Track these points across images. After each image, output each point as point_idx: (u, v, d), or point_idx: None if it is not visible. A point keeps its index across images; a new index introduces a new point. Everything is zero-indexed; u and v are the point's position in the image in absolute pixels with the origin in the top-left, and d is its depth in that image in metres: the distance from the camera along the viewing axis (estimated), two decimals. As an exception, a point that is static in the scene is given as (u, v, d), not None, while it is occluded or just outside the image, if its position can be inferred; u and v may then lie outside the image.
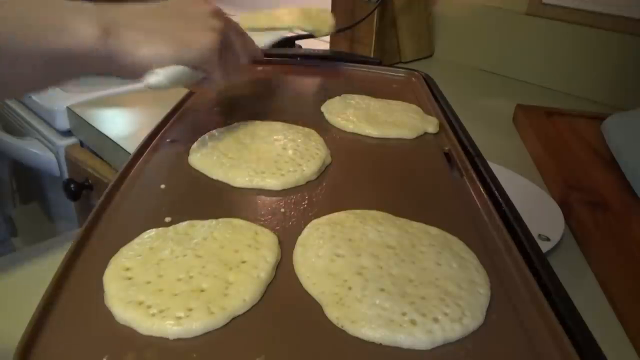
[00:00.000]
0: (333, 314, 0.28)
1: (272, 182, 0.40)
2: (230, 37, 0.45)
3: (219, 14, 0.44)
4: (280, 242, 0.33)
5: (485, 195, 0.40)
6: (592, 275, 0.49)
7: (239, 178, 0.40)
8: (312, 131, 0.48)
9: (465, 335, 0.27)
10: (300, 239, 0.34)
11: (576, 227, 0.55)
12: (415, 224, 0.36)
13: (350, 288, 0.29)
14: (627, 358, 0.41)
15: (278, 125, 0.49)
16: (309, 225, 0.35)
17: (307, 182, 0.41)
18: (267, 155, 0.43)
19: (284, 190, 0.40)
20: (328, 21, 0.63)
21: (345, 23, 1.04)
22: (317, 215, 0.37)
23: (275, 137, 0.46)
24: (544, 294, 0.30)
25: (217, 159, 0.42)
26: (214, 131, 0.47)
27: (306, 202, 0.39)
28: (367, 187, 0.42)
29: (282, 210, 0.38)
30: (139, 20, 0.40)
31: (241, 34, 0.48)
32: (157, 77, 0.39)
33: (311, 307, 0.29)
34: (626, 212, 0.56)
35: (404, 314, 0.28)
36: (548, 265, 0.32)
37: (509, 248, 0.34)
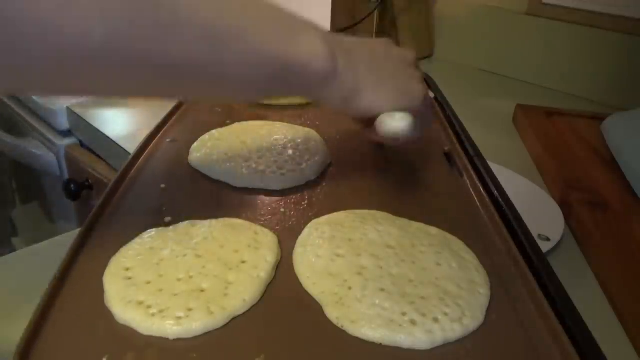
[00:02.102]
0: (333, 314, 0.28)
1: (273, 182, 0.40)
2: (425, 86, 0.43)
3: (413, 61, 0.42)
4: (280, 242, 0.33)
5: (485, 195, 0.40)
6: (592, 275, 0.49)
7: (239, 178, 0.40)
8: (312, 131, 0.48)
9: (465, 335, 0.27)
10: (300, 239, 0.34)
11: (576, 227, 0.55)
12: (415, 224, 0.36)
13: (350, 288, 0.29)
14: (627, 358, 0.40)
15: (278, 125, 0.49)
16: (309, 225, 0.35)
17: (307, 182, 0.41)
18: (267, 155, 0.43)
19: (283, 190, 0.40)
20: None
21: (345, 23, 1.04)
22: (317, 215, 0.37)
23: (275, 137, 0.46)
24: (544, 294, 0.30)
25: (217, 158, 0.42)
26: (214, 131, 0.47)
27: (306, 202, 0.39)
28: (367, 187, 0.42)
29: (282, 210, 0.38)
30: (359, 53, 0.37)
31: None
32: (403, 122, 0.36)
33: (311, 307, 0.29)
34: (626, 212, 0.56)
35: (403, 314, 0.28)
36: (548, 265, 0.32)
37: (509, 248, 0.34)
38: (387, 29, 1.07)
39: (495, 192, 0.40)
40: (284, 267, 0.32)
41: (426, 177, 0.44)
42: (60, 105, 0.86)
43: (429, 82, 0.63)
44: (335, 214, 0.37)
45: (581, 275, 0.49)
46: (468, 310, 0.28)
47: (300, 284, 0.30)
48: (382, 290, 0.29)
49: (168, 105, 0.53)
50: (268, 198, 0.39)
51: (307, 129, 0.49)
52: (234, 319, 0.28)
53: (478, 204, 0.40)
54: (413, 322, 0.27)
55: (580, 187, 0.60)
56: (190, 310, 0.27)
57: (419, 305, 0.28)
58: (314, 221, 0.36)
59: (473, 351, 0.27)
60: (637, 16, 0.88)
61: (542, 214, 0.55)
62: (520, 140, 0.78)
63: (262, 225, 0.35)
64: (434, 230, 0.35)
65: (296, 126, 0.49)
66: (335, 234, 0.34)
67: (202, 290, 0.29)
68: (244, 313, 0.28)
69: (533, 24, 1.00)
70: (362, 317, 0.27)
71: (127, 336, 0.26)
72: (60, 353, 0.25)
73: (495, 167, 0.46)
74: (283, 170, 0.41)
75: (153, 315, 0.27)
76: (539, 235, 0.50)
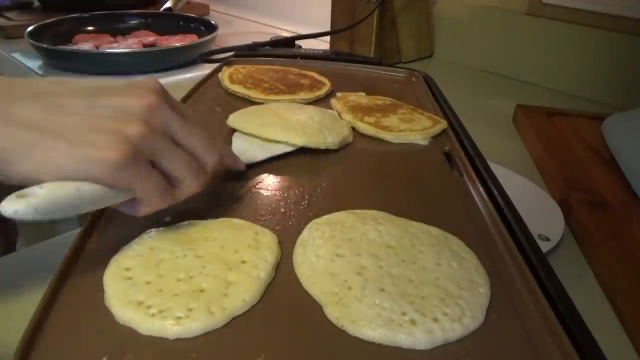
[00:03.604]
0: (333, 313, 0.28)
1: (297, 138, 0.44)
2: (161, 148, 0.32)
3: (153, 109, 0.32)
4: (280, 242, 0.33)
5: (485, 195, 0.40)
6: (592, 275, 0.49)
7: (269, 130, 0.45)
8: (336, 115, 0.52)
9: (465, 335, 0.27)
10: (300, 239, 0.34)
11: (576, 227, 0.55)
12: (415, 224, 0.36)
13: (350, 288, 0.29)
14: (627, 358, 0.40)
15: (310, 107, 0.52)
16: (308, 225, 0.35)
17: (309, 177, 0.41)
18: (294, 119, 0.47)
19: (288, 185, 0.40)
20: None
21: (345, 23, 1.04)
22: (317, 215, 0.37)
23: (306, 111, 0.50)
24: (544, 294, 0.30)
25: (252, 119, 0.47)
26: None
27: (306, 202, 0.39)
28: (367, 187, 0.42)
29: (282, 210, 0.38)
30: (25, 107, 0.30)
31: (200, 138, 0.34)
32: (29, 201, 0.27)
33: (311, 307, 0.29)
34: (626, 212, 0.56)
35: (403, 314, 0.28)
36: (548, 265, 0.32)
37: (509, 248, 0.34)
38: (387, 29, 1.07)
39: (495, 192, 0.40)
40: (284, 267, 0.32)
41: (426, 177, 0.44)
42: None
43: (429, 82, 0.63)
44: (336, 213, 0.37)
45: (581, 275, 0.49)
46: (468, 310, 0.28)
47: (300, 284, 0.30)
48: (382, 290, 0.29)
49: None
50: (268, 198, 0.39)
51: (334, 113, 0.53)
52: (234, 319, 0.28)
53: (478, 204, 0.40)
54: (413, 322, 0.27)
55: (580, 187, 0.60)
56: (190, 310, 0.27)
57: (419, 305, 0.28)
58: (314, 221, 0.36)
59: (473, 351, 0.27)
60: (637, 16, 0.88)
61: (542, 214, 0.55)
62: (520, 140, 0.78)
63: (262, 225, 0.35)
64: (434, 230, 0.35)
65: (326, 110, 0.53)
66: (335, 234, 0.34)
67: (202, 291, 0.29)
68: (244, 313, 0.28)
69: (533, 24, 1.00)
70: (362, 317, 0.27)
71: (127, 336, 0.26)
72: (60, 353, 0.25)
73: (495, 167, 0.46)
74: (307, 131, 0.45)
75: (153, 315, 0.27)
76: (539, 235, 0.50)
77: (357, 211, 0.37)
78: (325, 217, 0.36)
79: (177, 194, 0.33)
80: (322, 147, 0.45)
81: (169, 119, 0.33)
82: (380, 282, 0.30)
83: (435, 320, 0.28)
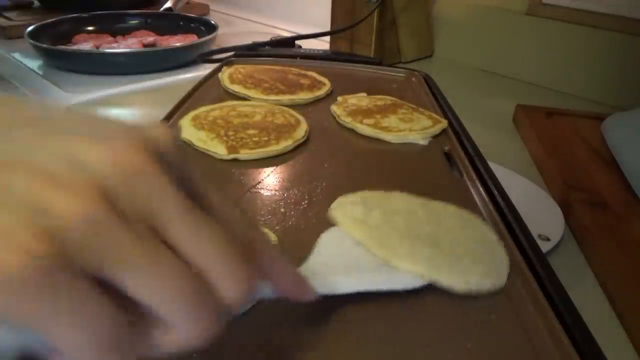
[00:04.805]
0: (378, 252, 0.30)
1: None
2: (124, 250, 0.16)
3: (130, 172, 0.17)
4: (280, 242, 0.33)
5: (485, 195, 0.40)
6: (592, 275, 0.49)
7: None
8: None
9: (491, 290, 0.30)
10: (333, 206, 0.35)
11: (576, 227, 0.55)
12: (433, 202, 0.37)
13: (389, 237, 0.31)
14: (627, 358, 0.40)
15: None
16: (336, 201, 0.36)
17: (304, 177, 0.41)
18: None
19: (283, 190, 0.40)
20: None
21: (345, 23, 1.04)
22: (317, 215, 0.37)
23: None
24: (544, 294, 0.30)
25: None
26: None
27: (306, 202, 0.39)
28: (367, 187, 0.42)
29: (282, 210, 0.38)
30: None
31: (219, 242, 0.19)
32: None
33: (311, 307, 0.29)
34: (626, 212, 0.56)
35: (441, 260, 0.30)
36: (548, 265, 0.32)
37: (509, 248, 0.34)
38: (387, 29, 1.07)
39: (495, 192, 0.40)
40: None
41: (426, 177, 0.44)
42: (60, 105, 0.86)
43: (429, 82, 0.63)
44: (358, 192, 0.37)
45: (581, 275, 0.49)
46: (493, 269, 0.31)
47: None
48: (420, 239, 0.31)
49: (169, 105, 0.53)
50: (268, 198, 0.39)
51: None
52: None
53: (478, 204, 0.40)
54: (449, 266, 0.30)
55: (580, 187, 0.60)
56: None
57: (453, 257, 0.31)
58: (339, 198, 0.37)
59: (473, 351, 0.27)
60: (637, 16, 0.88)
61: (542, 214, 0.55)
62: (520, 140, 0.78)
63: (262, 226, 0.35)
64: (451, 207, 0.37)
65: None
66: (366, 204, 0.35)
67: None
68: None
69: (533, 24, 1.00)
70: (406, 254, 0.30)
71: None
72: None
73: (495, 167, 0.46)
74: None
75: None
76: (539, 235, 0.50)
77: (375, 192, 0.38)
78: (350, 194, 0.37)
79: (153, 344, 0.18)
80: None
81: (161, 197, 0.17)
82: (417, 237, 0.32)
83: (468, 271, 0.30)
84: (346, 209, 0.34)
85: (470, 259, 0.31)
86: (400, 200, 0.36)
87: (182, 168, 0.19)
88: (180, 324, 0.18)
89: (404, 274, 0.29)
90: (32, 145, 0.17)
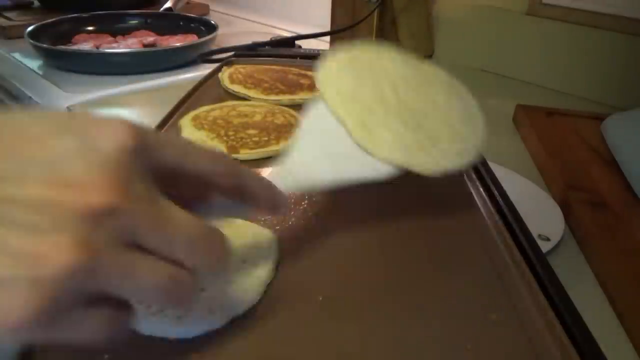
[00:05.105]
0: (357, 135, 0.30)
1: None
2: (117, 275, 0.20)
3: (100, 213, 0.19)
4: (280, 242, 0.33)
5: (485, 195, 0.40)
6: (592, 275, 0.49)
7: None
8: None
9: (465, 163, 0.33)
10: (321, 72, 0.34)
11: (576, 227, 0.54)
12: (426, 64, 0.38)
13: (373, 114, 0.31)
14: (627, 358, 0.40)
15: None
16: (325, 63, 0.35)
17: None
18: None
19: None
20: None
21: (345, 23, 1.04)
22: (317, 215, 0.37)
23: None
24: (544, 294, 0.30)
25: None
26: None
27: (306, 201, 0.39)
28: (366, 188, 0.42)
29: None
30: None
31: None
32: None
33: (311, 307, 0.29)
34: (626, 212, 0.56)
35: (418, 142, 0.31)
36: (548, 265, 0.32)
37: (509, 248, 0.34)
38: (387, 29, 1.07)
39: (495, 192, 0.40)
40: (284, 267, 0.32)
41: (426, 177, 0.44)
42: (60, 105, 0.86)
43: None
44: (352, 49, 0.36)
45: (581, 275, 0.49)
46: (469, 144, 0.33)
47: (300, 284, 0.30)
48: (402, 120, 0.31)
49: (169, 105, 0.53)
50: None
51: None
52: (234, 319, 0.28)
53: (478, 204, 0.40)
54: (425, 151, 0.31)
55: (580, 187, 0.60)
56: (190, 310, 0.27)
57: (433, 137, 0.32)
58: (330, 57, 0.35)
59: (473, 351, 0.27)
60: (637, 16, 0.88)
61: (542, 214, 0.54)
62: (521, 140, 0.78)
63: (262, 225, 0.35)
64: (442, 74, 0.38)
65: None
66: (356, 66, 0.34)
67: (202, 290, 0.29)
68: (244, 313, 0.28)
69: (533, 24, 1.00)
70: (383, 142, 0.30)
71: (128, 336, 0.26)
72: (61, 352, 0.25)
73: (495, 167, 0.46)
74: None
75: (153, 314, 0.27)
76: (539, 235, 0.50)
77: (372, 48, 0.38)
78: (342, 53, 0.36)
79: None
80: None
81: (134, 224, 0.20)
82: (400, 114, 0.32)
83: (443, 155, 0.31)
84: (334, 78, 0.33)
85: (449, 138, 0.31)
86: (391, 65, 0.35)
87: (154, 155, 0.22)
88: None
89: (378, 162, 0.30)
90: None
